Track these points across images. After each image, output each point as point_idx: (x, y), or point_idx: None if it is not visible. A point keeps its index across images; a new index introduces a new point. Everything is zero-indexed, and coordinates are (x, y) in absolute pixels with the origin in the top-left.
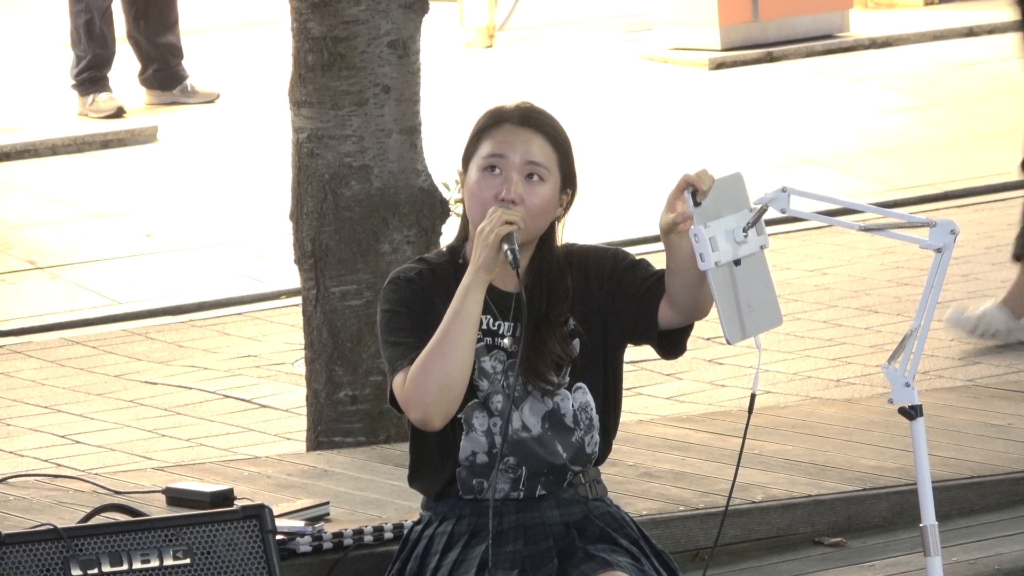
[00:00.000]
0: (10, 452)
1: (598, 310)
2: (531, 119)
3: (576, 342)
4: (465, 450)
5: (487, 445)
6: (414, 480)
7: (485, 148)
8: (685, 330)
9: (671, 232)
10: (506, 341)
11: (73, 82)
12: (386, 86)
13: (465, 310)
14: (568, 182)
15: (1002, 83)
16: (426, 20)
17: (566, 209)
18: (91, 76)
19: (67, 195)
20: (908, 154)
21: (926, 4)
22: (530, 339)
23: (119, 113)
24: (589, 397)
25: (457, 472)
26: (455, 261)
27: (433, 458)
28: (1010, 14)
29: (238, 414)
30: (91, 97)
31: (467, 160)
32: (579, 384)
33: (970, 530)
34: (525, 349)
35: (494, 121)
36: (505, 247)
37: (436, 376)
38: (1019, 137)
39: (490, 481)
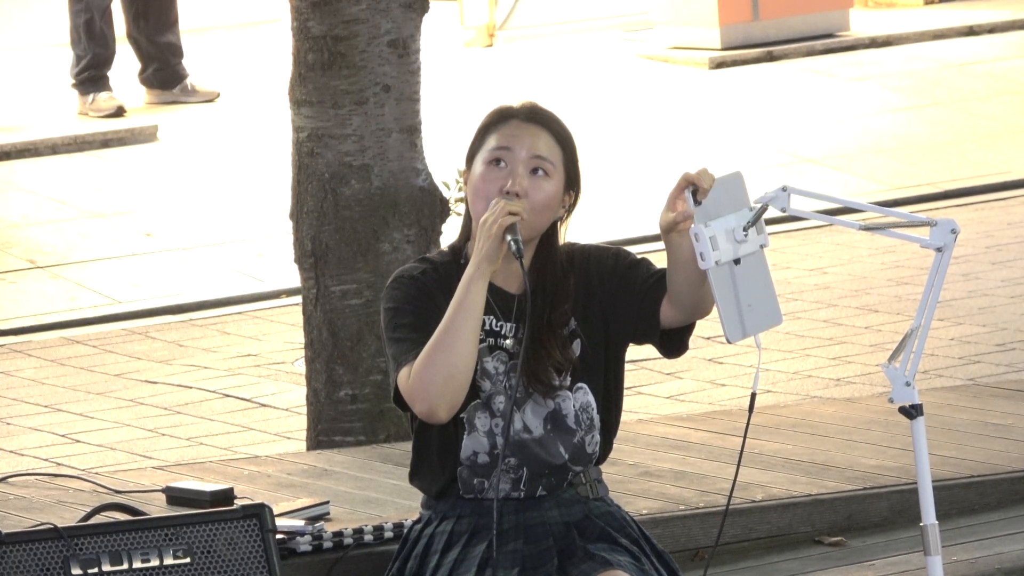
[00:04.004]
0: (10, 451)
1: (599, 310)
2: (538, 116)
3: (577, 343)
4: (467, 450)
5: (488, 445)
6: (415, 478)
7: (491, 142)
8: (687, 329)
9: (671, 231)
10: (508, 342)
11: (73, 81)
12: (386, 85)
13: (468, 301)
14: (572, 183)
15: (1002, 83)
16: (426, 19)
17: (569, 211)
18: (91, 75)
19: (67, 195)
20: (908, 154)
21: (926, 4)
22: (531, 344)
23: (119, 112)
24: (590, 397)
25: (458, 471)
26: (457, 261)
27: (434, 457)
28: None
29: (238, 413)
30: (91, 96)
31: (471, 157)
32: (580, 384)
33: (970, 529)
34: (526, 353)
35: (501, 117)
36: (508, 237)
37: (441, 367)
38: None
39: (492, 483)
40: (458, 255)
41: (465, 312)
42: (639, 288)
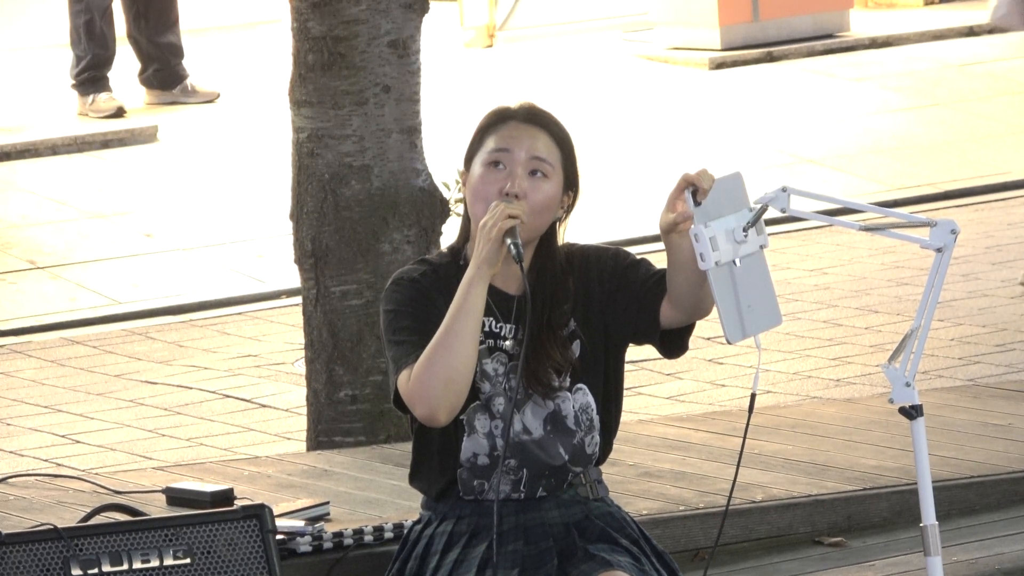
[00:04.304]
0: (10, 452)
1: (599, 310)
2: (536, 117)
3: (576, 344)
4: (466, 451)
5: (488, 447)
6: (415, 479)
7: (490, 144)
8: (687, 329)
9: (671, 232)
10: (508, 343)
11: (73, 82)
12: (386, 86)
13: (468, 304)
14: (570, 183)
15: (1002, 83)
16: (426, 20)
17: (567, 211)
18: (91, 76)
19: (67, 195)
20: (908, 154)
21: (926, 4)
22: (530, 345)
23: (119, 113)
24: (589, 398)
25: (458, 473)
26: (456, 262)
27: (434, 459)
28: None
29: (238, 414)
30: (91, 97)
31: (470, 159)
32: (579, 385)
33: (970, 530)
34: (526, 354)
35: (499, 119)
36: (508, 241)
37: (441, 370)
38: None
39: (492, 485)
40: (457, 256)
41: (465, 315)
42: (638, 289)
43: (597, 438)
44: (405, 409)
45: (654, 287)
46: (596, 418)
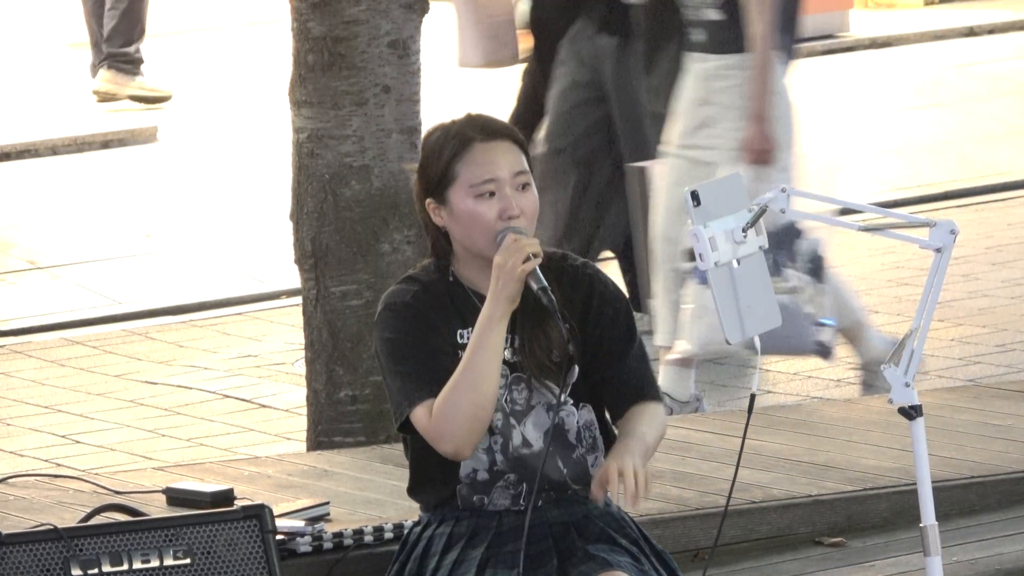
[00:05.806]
0: (10, 452)
1: (588, 340)
2: (492, 130)
3: (575, 369)
4: (466, 467)
5: (487, 463)
6: (414, 493)
7: (468, 175)
8: None
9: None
10: (506, 353)
11: (114, 62)
12: (386, 86)
13: (490, 342)
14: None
15: (1002, 83)
16: (426, 20)
17: None
18: (136, 58)
19: (67, 195)
20: (908, 154)
21: (926, 4)
22: (527, 329)
23: (167, 98)
24: (593, 416)
25: (457, 488)
26: (446, 279)
27: (434, 474)
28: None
29: (238, 414)
30: (138, 78)
31: (441, 189)
32: (584, 404)
33: (970, 530)
34: (522, 338)
35: (460, 145)
36: (535, 287)
37: (465, 409)
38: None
39: (491, 499)
40: (445, 273)
41: (486, 352)
42: (614, 363)
43: (602, 459)
44: (411, 432)
45: (616, 383)
46: (599, 438)
